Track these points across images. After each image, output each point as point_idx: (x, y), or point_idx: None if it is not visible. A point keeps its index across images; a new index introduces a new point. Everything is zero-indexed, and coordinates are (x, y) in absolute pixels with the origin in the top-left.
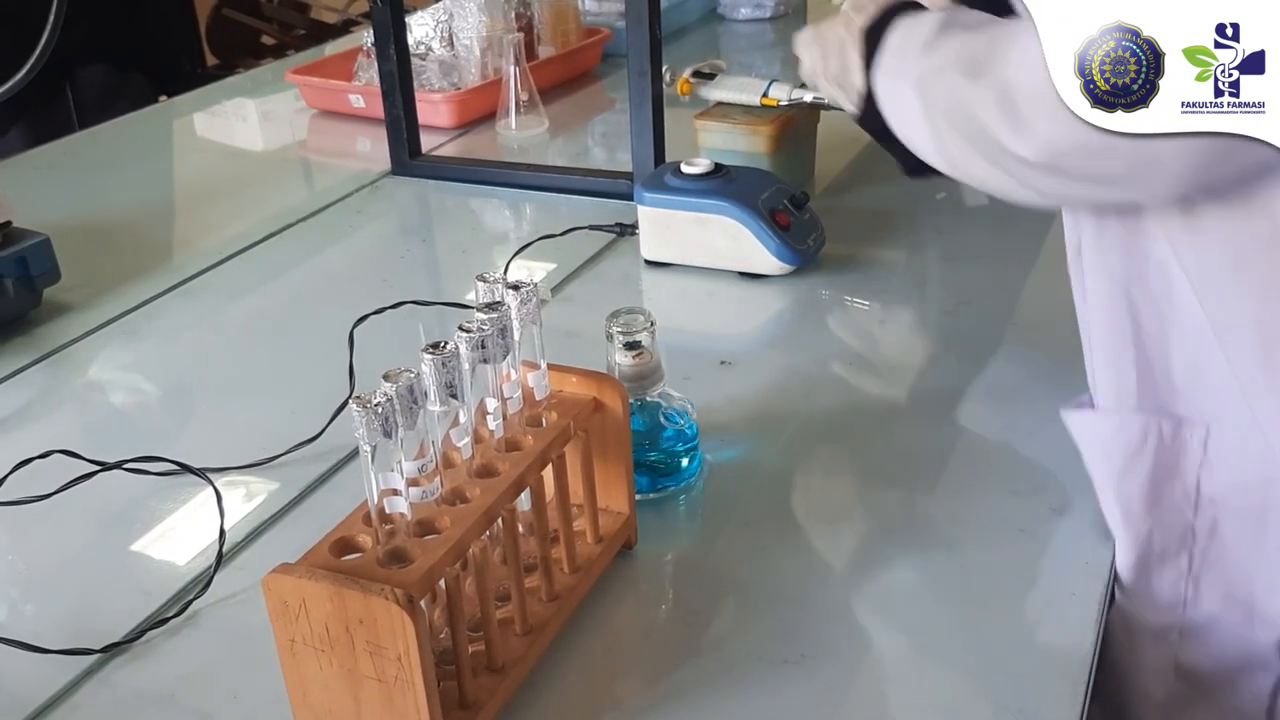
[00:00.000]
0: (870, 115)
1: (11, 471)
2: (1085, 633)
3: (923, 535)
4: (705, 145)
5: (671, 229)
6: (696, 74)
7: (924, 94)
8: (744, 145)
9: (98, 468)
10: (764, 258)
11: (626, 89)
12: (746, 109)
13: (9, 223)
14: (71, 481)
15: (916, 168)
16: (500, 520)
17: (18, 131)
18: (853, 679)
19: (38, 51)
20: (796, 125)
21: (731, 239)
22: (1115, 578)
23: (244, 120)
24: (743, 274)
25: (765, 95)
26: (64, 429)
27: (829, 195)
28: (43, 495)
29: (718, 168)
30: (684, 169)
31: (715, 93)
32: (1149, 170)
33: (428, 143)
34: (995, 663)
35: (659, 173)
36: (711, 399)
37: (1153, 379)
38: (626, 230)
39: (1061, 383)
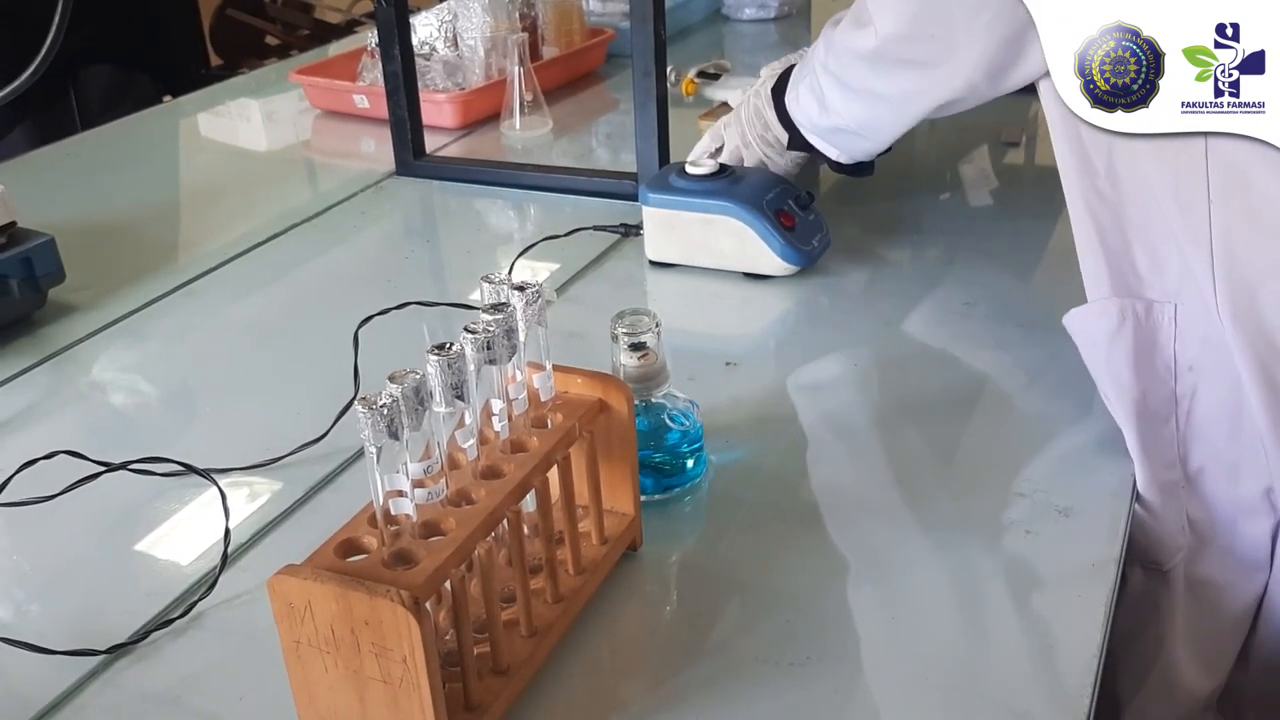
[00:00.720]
0: (796, 140)
1: (16, 472)
2: (1091, 635)
3: (928, 536)
4: None
5: (676, 230)
6: (701, 74)
7: (813, 77)
8: None
9: (102, 468)
10: (769, 258)
11: (631, 89)
12: None
13: (14, 223)
14: (76, 482)
15: (838, 167)
16: (505, 522)
17: (22, 132)
18: (858, 681)
19: (43, 52)
20: None
21: (736, 240)
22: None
23: (248, 121)
24: (748, 275)
25: None
26: (68, 430)
27: (834, 196)
28: (47, 496)
29: (722, 168)
30: (689, 169)
31: (720, 93)
32: (953, 51)
33: (432, 143)
34: (1000, 665)
35: (663, 173)
36: (716, 400)
37: (1121, 270)
38: (631, 231)
39: (1067, 383)
